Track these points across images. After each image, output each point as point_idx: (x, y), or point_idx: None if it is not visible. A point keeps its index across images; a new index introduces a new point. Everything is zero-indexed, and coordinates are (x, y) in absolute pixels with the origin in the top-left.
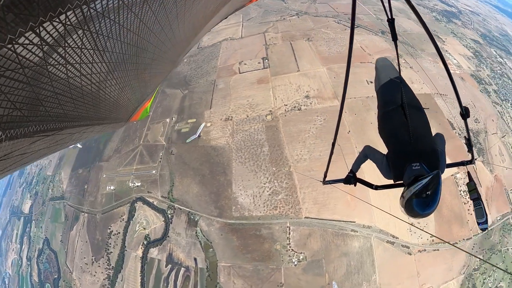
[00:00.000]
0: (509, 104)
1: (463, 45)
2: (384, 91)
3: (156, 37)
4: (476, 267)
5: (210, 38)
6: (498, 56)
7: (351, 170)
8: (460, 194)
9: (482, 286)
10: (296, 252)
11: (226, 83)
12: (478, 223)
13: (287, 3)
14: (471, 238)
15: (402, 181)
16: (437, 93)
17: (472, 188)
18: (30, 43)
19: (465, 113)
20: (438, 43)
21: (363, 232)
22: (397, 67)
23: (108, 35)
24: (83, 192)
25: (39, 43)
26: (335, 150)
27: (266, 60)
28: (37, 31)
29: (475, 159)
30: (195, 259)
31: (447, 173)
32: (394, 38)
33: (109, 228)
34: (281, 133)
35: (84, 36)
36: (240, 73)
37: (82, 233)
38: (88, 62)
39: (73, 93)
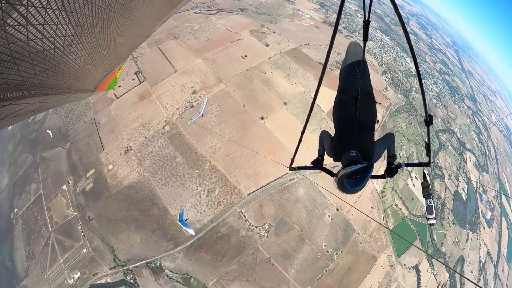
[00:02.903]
0: (357, 34)
1: (310, 1)
2: (345, 78)
3: (132, 2)
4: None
5: None
6: (338, 1)
7: (318, 154)
8: None
9: (400, 158)
10: (260, 226)
11: (107, 115)
12: (427, 218)
13: None
14: (374, 134)
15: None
16: (301, 45)
17: (425, 186)
18: None
19: (428, 120)
20: (290, 6)
21: (299, 176)
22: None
23: None
24: None
25: None
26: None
27: (140, 74)
28: None
29: (432, 162)
30: None
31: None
32: (365, 38)
33: None
34: (185, 136)
35: None
36: (117, 98)
37: None
38: (52, 23)
39: (34, 57)
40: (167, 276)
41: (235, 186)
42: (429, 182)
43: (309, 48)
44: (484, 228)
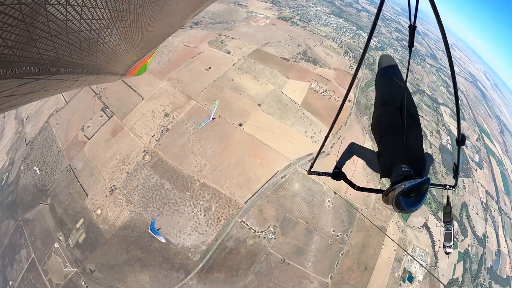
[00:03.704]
0: (312, 22)
1: (261, 1)
2: (385, 91)
3: None
4: (369, 123)
5: (33, 124)
6: None
7: (336, 166)
8: (322, 94)
9: None
10: (265, 230)
11: (83, 159)
12: (444, 246)
13: None
14: (350, 113)
15: (386, 185)
16: (262, 45)
17: (447, 212)
18: None
19: (460, 140)
20: (243, 9)
21: (290, 171)
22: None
23: None
24: None
25: None
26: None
27: (107, 109)
28: None
29: (457, 186)
30: None
31: (305, 89)
32: (411, 45)
33: None
34: (168, 162)
35: None
36: (89, 139)
37: None
38: (90, 6)
39: (70, 37)
40: None
41: (230, 198)
42: (452, 207)
43: (270, 46)
44: (476, 171)
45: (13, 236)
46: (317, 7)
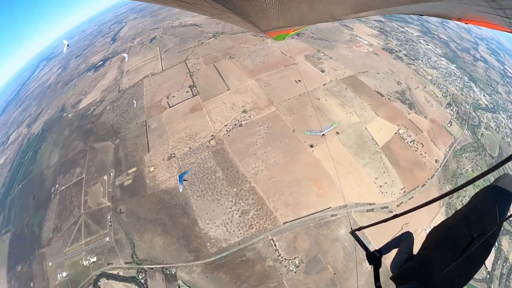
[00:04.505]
0: (420, 61)
1: (369, 26)
2: (478, 209)
3: None
4: (450, 195)
5: (130, 78)
6: (399, 27)
7: (379, 249)
8: (409, 145)
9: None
10: (290, 259)
11: (158, 121)
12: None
13: (202, 27)
14: (433, 175)
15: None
16: (359, 73)
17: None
18: None
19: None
20: (347, 31)
21: (342, 212)
22: None
23: None
24: None
25: None
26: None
27: (194, 87)
28: None
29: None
30: None
31: (391, 132)
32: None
33: None
34: (229, 154)
35: None
36: (170, 107)
37: None
38: None
39: None
40: (179, 286)
41: (271, 212)
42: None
43: (367, 76)
44: None
45: (77, 155)
46: (428, 45)
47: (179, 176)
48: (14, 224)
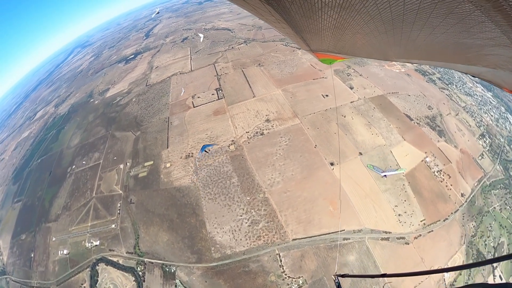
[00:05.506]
0: (454, 86)
1: None
2: None
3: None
4: (473, 233)
5: (159, 74)
6: None
7: None
8: (434, 174)
9: (485, 248)
10: (294, 278)
11: (181, 119)
12: None
13: (234, 32)
14: (457, 210)
15: None
16: (388, 93)
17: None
18: None
19: None
20: None
21: (356, 237)
22: None
23: None
24: (30, 262)
25: None
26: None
27: (220, 91)
28: None
29: None
30: None
31: (417, 159)
32: None
33: None
34: (247, 161)
35: None
36: (194, 107)
37: None
38: None
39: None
40: (175, 286)
41: (282, 226)
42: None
43: (397, 98)
44: None
45: (97, 140)
46: None
47: (204, 146)
48: (27, 195)
